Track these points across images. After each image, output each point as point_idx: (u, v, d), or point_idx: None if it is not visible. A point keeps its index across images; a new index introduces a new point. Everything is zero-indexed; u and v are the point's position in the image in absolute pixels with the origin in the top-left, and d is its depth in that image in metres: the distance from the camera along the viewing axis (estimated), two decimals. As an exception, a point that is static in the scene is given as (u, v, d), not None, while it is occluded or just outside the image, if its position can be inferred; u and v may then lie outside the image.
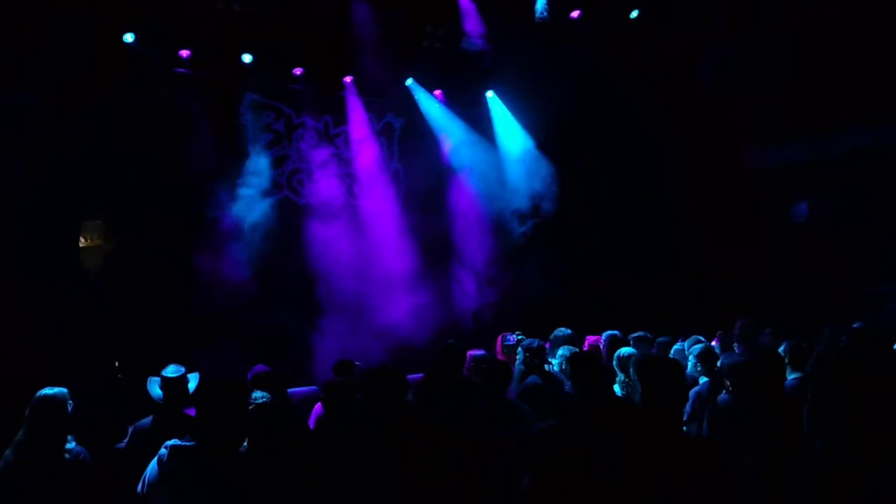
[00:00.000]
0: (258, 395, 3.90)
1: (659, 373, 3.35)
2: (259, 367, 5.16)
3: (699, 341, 6.15)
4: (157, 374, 4.66)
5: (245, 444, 3.25)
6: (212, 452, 3.05)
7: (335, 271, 9.06)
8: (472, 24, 9.97)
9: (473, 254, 10.04)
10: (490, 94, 11.06)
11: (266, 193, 9.38)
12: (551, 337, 6.71)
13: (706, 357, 5.49)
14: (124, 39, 8.38)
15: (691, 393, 5.06)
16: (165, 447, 3.17)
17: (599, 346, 6.52)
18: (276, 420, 4.46)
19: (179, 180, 8.62)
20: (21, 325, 7.02)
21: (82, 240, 8.25)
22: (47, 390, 3.85)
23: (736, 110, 10.77)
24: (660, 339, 6.63)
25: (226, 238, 8.64)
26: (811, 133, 10.12)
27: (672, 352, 6.43)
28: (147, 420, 4.55)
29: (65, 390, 3.89)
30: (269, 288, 8.71)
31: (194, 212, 8.62)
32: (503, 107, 11.02)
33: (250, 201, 9.01)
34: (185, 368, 4.69)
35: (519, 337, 6.93)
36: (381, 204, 10.48)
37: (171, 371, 4.61)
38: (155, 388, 4.63)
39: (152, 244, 8.37)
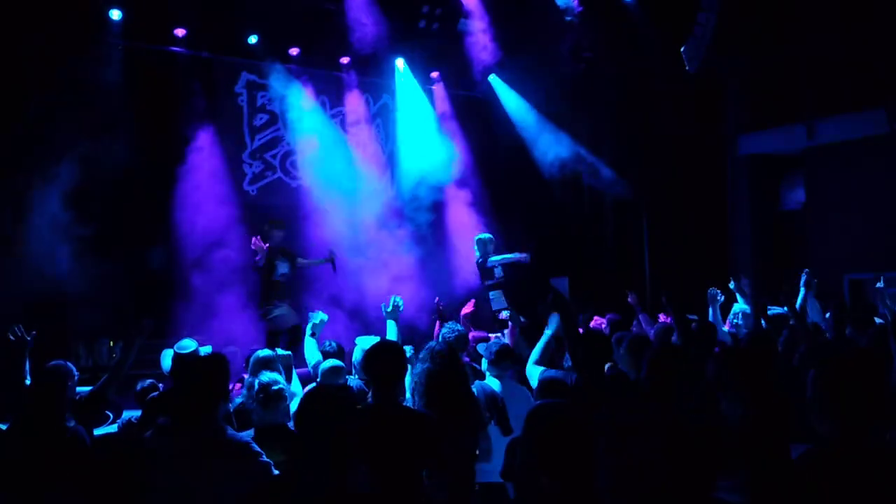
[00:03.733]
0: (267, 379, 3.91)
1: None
2: (257, 350, 5.16)
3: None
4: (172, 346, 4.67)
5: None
6: (190, 428, 3.06)
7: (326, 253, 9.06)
8: (470, 4, 9.94)
9: (469, 235, 10.02)
10: (490, 76, 11.02)
11: (259, 174, 9.37)
12: None
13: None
14: (110, 16, 8.26)
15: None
16: (157, 423, 3.20)
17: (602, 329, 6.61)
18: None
19: (171, 161, 8.60)
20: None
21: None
22: (53, 363, 3.86)
23: (724, 94, 10.76)
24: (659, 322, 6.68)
25: (218, 220, 8.63)
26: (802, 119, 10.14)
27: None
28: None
29: (69, 364, 3.90)
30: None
31: (188, 191, 8.60)
32: (500, 89, 11.00)
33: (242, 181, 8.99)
34: (198, 343, 4.71)
35: (509, 314, 7.04)
36: (375, 186, 10.46)
37: (182, 346, 4.61)
38: (167, 360, 4.63)
39: (142, 224, 8.34)
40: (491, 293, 8.12)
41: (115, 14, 8.25)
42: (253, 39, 9.16)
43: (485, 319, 8.01)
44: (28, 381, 4.03)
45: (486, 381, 4.71)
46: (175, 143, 8.66)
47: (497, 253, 8.32)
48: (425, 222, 10.11)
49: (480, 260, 8.27)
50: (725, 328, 6.63)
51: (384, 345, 3.69)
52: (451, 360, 3.72)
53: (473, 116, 10.96)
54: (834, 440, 2.60)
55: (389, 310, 4.91)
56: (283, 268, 7.74)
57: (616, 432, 3.23)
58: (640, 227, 10.79)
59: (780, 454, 3.19)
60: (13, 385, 3.98)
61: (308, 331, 5.04)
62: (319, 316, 5.07)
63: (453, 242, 10.01)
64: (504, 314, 7.91)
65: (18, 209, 7.51)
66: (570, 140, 10.56)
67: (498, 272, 8.24)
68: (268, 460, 3.07)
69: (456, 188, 10.39)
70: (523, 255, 8.06)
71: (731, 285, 7.38)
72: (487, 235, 8.51)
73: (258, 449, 3.07)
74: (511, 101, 10.97)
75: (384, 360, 3.49)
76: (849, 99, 9.60)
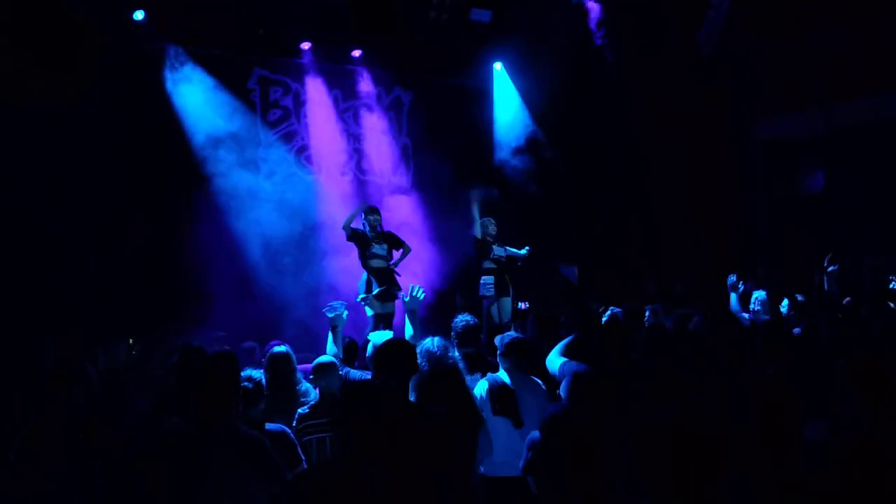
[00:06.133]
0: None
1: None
2: (273, 343, 5.17)
3: None
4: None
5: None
6: (204, 427, 3.08)
7: (344, 247, 9.08)
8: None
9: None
10: (498, 65, 10.98)
11: (273, 170, 9.40)
12: None
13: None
14: (134, 17, 8.39)
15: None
16: (169, 422, 3.23)
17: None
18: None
19: (188, 157, 8.65)
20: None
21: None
22: (67, 365, 3.89)
23: (739, 81, 10.60)
24: (679, 310, 6.62)
25: (234, 215, 8.68)
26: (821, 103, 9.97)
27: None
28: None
29: (88, 365, 3.93)
30: (278, 266, 8.75)
31: (203, 189, 8.65)
32: (508, 79, 10.96)
33: (256, 177, 9.01)
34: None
35: (527, 306, 7.04)
36: (390, 179, 10.47)
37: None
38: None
39: (155, 224, 8.40)
40: (483, 277, 8.13)
41: (139, 15, 8.39)
42: (264, 34, 9.18)
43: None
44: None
45: (497, 374, 4.70)
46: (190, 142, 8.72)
47: (498, 237, 8.37)
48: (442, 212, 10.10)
49: (481, 238, 8.30)
50: (746, 315, 6.58)
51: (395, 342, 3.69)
52: (442, 360, 3.69)
53: (482, 106, 10.92)
54: (861, 428, 2.59)
55: (408, 300, 4.92)
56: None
57: (634, 428, 3.22)
58: (654, 216, 10.70)
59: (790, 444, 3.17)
60: (33, 391, 4.03)
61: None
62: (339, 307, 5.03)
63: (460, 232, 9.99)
64: (523, 305, 7.95)
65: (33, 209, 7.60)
66: (575, 129, 10.51)
67: (498, 251, 8.26)
68: (279, 460, 3.09)
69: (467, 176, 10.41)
70: (523, 251, 8.14)
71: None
72: (489, 219, 8.54)
73: (270, 447, 3.09)
74: (517, 90, 10.93)
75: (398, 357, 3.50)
76: (866, 81, 9.43)
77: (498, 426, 4.14)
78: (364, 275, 7.81)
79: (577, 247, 10.61)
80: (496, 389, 4.35)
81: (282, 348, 4.71)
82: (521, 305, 7.20)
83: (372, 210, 8.01)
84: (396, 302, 7.63)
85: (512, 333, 5.00)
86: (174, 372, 4.54)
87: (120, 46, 8.23)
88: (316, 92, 9.93)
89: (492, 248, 8.26)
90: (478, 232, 8.42)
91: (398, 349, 3.57)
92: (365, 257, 7.84)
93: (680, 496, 3.06)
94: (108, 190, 8.08)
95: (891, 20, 9.10)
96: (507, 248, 8.38)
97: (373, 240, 7.82)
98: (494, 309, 8.00)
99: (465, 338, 4.97)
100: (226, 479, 2.96)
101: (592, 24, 10.20)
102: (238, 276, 8.65)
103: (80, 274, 7.61)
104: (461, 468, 3.42)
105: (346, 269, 8.70)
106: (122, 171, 8.17)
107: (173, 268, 8.41)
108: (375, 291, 7.55)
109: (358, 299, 7.70)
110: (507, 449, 3.99)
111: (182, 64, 8.68)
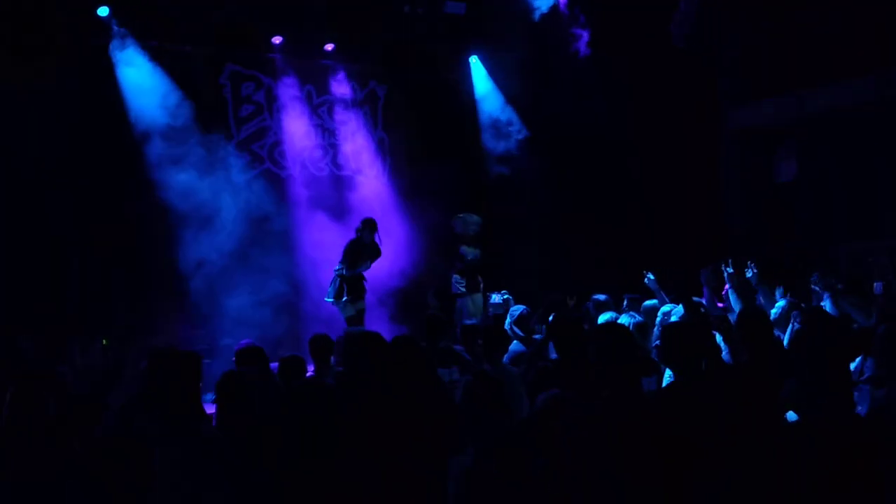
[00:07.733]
0: None
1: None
2: (245, 342, 5.14)
3: None
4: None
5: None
6: (169, 426, 3.04)
7: (320, 243, 9.03)
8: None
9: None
10: (473, 59, 10.92)
11: (246, 167, 9.31)
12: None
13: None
14: (98, 13, 8.24)
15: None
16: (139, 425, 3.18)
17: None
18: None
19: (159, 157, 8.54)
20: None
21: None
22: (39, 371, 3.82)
23: (713, 68, 10.63)
24: (645, 303, 6.60)
25: (206, 213, 8.59)
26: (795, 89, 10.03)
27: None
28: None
29: (61, 368, 3.88)
30: (253, 262, 8.68)
31: (175, 187, 8.54)
32: (484, 70, 10.92)
33: (229, 175, 8.92)
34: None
35: (505, 297, 6.97)
36: (366, 173, 10.40)
37: None
38: None
39: (128, 222, 8.29)
40: (455, 276, 8.20)
41: (103, 11, 8.25)
42: (235, 28, 9.07)
43: None
44: None
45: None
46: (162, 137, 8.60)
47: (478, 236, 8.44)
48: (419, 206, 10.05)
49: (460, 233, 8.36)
50: (720, 305, 6.58)
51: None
52: (411, 352, 3.69)
53: (458, 99, 10.87)
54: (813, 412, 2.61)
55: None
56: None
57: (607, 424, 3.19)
58: (630, 205, 10.72)
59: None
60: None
61: None
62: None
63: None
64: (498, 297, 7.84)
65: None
66: (550, 118, 10.51)
67: (472, 255, 8.25)
68: (241, 462, 3.06)
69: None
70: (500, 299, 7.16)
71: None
72: (474, 218, 8.50)
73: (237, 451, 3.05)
74: (492, 82, 10.88)
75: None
76: (838, 68, 9.49)
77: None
78: (335, 279, 8.13)
79: (551, 238, 10.59)
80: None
81: (249, 343, 4.73)
82: (496, 298, 7.06)
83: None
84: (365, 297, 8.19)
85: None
86: (145, 377, 4.47)
87: (86, 42, 8.10)
88: (289, 87, 9.82)
89: (459, 249, 8.28)
90: (458, 227, 8.43)
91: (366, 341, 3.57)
92: (355, 266, 8.13)
93: (657, 492, 3.04)
94: (82, 189, 7.97)
95: (861, 6, 9.16)
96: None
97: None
98: (468, 303, 8.00)
99: (438, 332, 4.98)
100: (187, 479, 2.92)
101: (565, 16, 10.19)
102: (214, 274, 8.56)
103: (56, 273, 7.50)
104: (436, 458, 3.40)
105: (321, 265, 8.68)
106: (93, 170, 8.06)
107: (149, 267, 8.33)
108: (345, 299, 8.03)
109: (329, 301, 7.81)
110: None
111: (148, 60, 8.53)
